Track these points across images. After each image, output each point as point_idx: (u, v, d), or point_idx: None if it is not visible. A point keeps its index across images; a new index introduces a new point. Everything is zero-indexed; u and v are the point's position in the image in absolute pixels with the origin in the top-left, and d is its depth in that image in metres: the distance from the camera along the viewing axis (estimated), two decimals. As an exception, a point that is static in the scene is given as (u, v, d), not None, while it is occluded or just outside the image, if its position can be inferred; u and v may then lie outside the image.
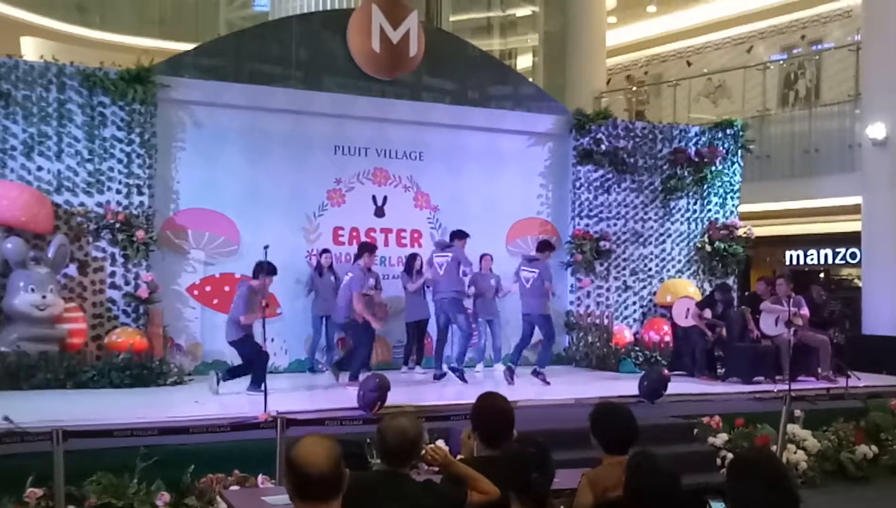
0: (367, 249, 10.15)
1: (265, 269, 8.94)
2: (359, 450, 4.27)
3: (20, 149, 9.85)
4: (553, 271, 12.66)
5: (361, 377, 8.63)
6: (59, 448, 5.13)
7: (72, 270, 10.02)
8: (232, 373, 9.05)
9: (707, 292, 12.22)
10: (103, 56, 10.74)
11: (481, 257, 11.61)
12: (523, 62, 22.78)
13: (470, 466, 3.74)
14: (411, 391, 9.22)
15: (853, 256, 16.86)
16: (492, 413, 3.90)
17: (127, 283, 10.21)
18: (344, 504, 2.95)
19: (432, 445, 3.66)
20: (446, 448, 6.05)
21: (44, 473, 5.43)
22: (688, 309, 11.30)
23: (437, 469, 3.94)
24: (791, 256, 18.71)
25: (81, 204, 10.12)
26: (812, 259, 18.42)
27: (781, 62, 18.63)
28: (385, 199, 11.88)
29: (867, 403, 8.92)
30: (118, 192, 10.24)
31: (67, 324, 9.67)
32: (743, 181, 13.98)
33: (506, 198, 12.48)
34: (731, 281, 13.52)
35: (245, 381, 8.96)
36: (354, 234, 11.68)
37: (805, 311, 10.68)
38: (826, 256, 18.16)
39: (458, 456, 4.02)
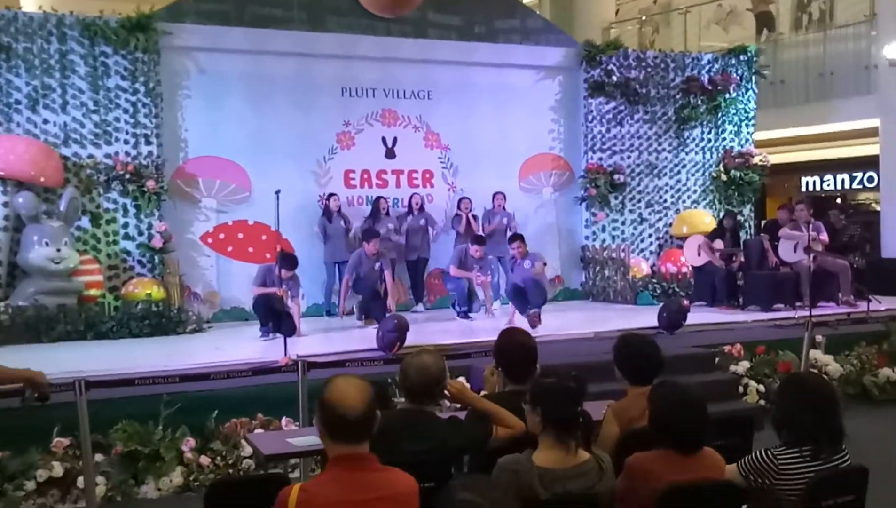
0: (371, 235, 9.98)
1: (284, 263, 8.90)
2: (381, 390, 4.24)
3: (25, 102, 9.77)
4: (567, 206, 12.71)
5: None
6: (83, 398, 5.13)
7: (84, 222, 10.01)
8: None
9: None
10: (102, 5, 10.53)
11: (494, 196, 11.53)
12: (529, -5, 22.27)
13: (495, 401, 3.71)
14: (430, 330, 9.21)
15: (870, 180, 16.62)
16: (515, 348, 3.85)
17: (140, 233, 10.20)
18: (371, 443, 2.93)
19: (450, 380, 3.63)
20: (467, 385, 6.06)
21: (69, 423, 5.46)
22: (699, 246, 11.23)
23: (460, 406, 3.92)
24: (807, 182, 18.46)
25: (90, 156, 10.06)
26: (828, 185, 18.17)
27: (794, -16, 18.11)
28: (395, 140, 11.74)
29: (889, 326, 8.84)
30: (126, 142, 10.16)
31: (84, 276, 9.70)
32: (757, 108, 13.74)
33: (517, 134, 12.31)
34: (747, 210, 13.40)
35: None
36: (366, 176, 11.59)
37: (824, 236, 10.57)
38: (843, 181, 17.90)
39: (482, 392, 4.00)
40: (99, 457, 5.62)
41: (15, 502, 5.37)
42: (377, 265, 9.85)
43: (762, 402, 7.33)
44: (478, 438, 3.49)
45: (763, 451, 3.20)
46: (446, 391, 3.63)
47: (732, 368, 7.71)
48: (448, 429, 3.44)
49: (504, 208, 11.54)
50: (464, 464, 3.69)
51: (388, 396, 4.34)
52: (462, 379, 6.53)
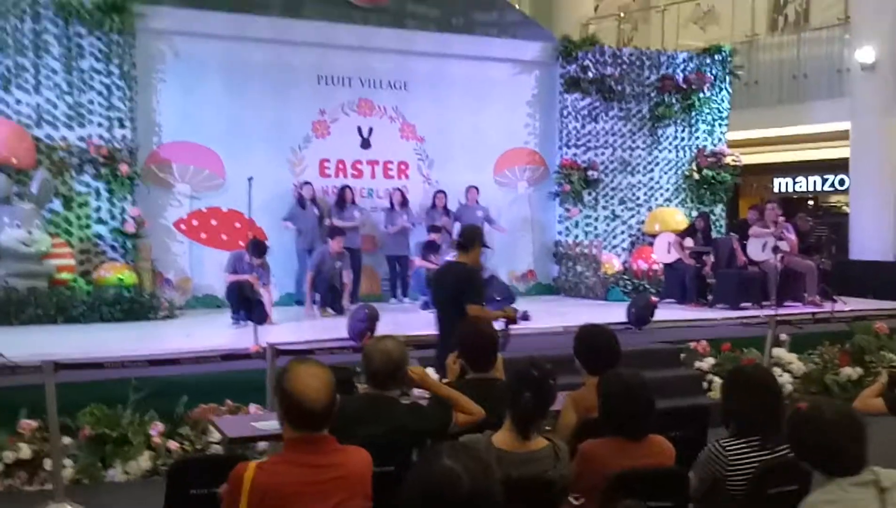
0: (336, 233, 10.16)
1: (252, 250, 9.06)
2: (346, 376, 4.30)
3: (-3, 82, 9.70)
4: (541, 201, 12.80)
5: (347, 308, 8.83)
6: (51, 379, 5.14)
7: (56, 205, 9.96)
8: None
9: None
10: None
11: (467, 190, 11.63)
12: (510, -11, 22.32)
13: (456, 389, 3.78)
14: (399, 320, 9.26)
15: (842, 182, 16.87)
16: (475, 337, 3.93)
17: (113, 218, 10.17)
18: (333, 427, 2.97)
19: (412, 367, 3.69)
20: (431, 372, 6.13)
21: (37, 405, 5.47)
22: (668, 243, 11.39)
23: (426, 394, 3.99)
24: (780, 183, 18.70)
25: (63, 138, 10.00)
26: (801, 186, 18.41)
27: (771, -14, 18.30)
28: (371, 130, 11.77)
29: (852, 326, 8.97)
30: (99, 125, 10.12)
31: (55, 259, 9.65)
32: (731, 108, 13.90)
33: (493, 128, 12.38)
34: (719, 209, 13.55)
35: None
36: (341, 166, 11.61)
37: (792, 236, 10.73)
38: (815, 183, 18.16)
39: (444, 380, 4.07)
40: (67, 440, 5.63)
41: (-19, 482, 5.38)
42: (338, 264, 9.98)
43: (725, 397, 7.44)
44: (438, 423, 3.56)
45: (713, 443, 3.30)
46: (410, 376, 3.68)
47: (697, 364, 7.84)
48: (408, 414, 3.51)
49: (478, 202, 11.63)
50: (426, 450, 3.75)
51: (354, 383, 4.39)
52: (431, 369, 6.60)
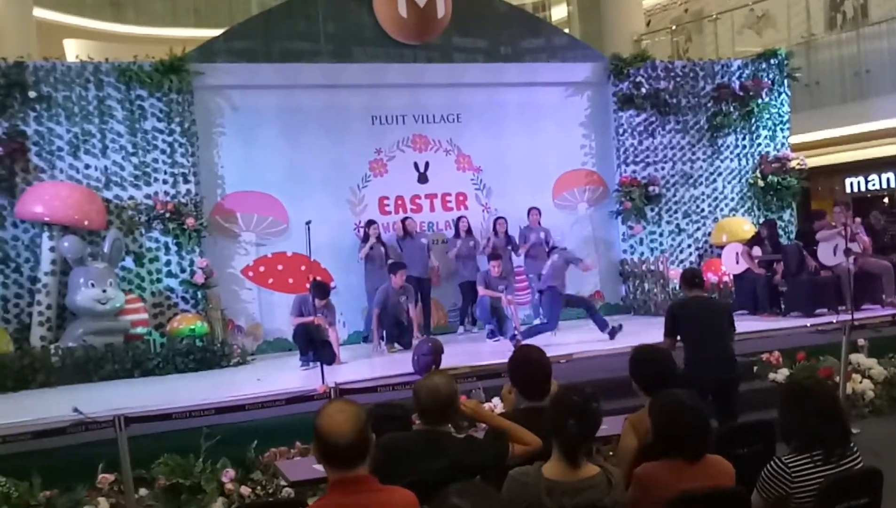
0: (397, 267, 10.08)
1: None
2: (402, 412, 4.31)
3: (66, 149, 10.11)
4: (603, 220, 12.67)
5: (414, 341, 8.86)
6: (123, 433, 5.28)
7: (128, 262, 10.28)
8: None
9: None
10: (145, 49, 10.85)
11: (529, 211, 11.59)
12: (558, 13, 22.34)
13: (512, 419, 3.76)
14: (466, 352, 9.26)
15: (917, 177, 16.31)
16: (527, 366, 3.90)
17: (182, 270, 10.44)
18: (386, 464, 2.99)
19: (465, 399, 3.68)
20: (494, 404, 6.10)
21: (113, 459, 5.59)
22: (736, 253, 11.15)
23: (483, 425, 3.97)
24: (851, 183, 18.12)
25: (131, 197, 10.35)
26: (874, 184, 17.79)
27: (826, -16, 17.90)
28: (427, 164, 11.87)
29: (934, 326, 8.65)
30: (165, 182, 10.44)
31: (129, 315, 9.95)
32: (793, 111, 13.58)
33: (548, 151, 12.34)
34: (787, 215, 13.22)
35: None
36: (399, 202, 11.72)
37: (865, 237, 10.39)
38: (889, 180, 17.53)
39: (500, 410, 4.05)
40: (143, 491, 5.75)
41: (64, 538, 5.53)
42: (402, 299, 9.99)
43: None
44: (494, 456, 3.53)
45: (775, 460, 3.20)
46: (462, 409, 3.68)
47: (771, 376, 7.62)
48: (464, 448, 3.49)
49: (540, 223, 11.58)
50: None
51: (410, 419, 4.39)
52: (497, 399, 6.57)
